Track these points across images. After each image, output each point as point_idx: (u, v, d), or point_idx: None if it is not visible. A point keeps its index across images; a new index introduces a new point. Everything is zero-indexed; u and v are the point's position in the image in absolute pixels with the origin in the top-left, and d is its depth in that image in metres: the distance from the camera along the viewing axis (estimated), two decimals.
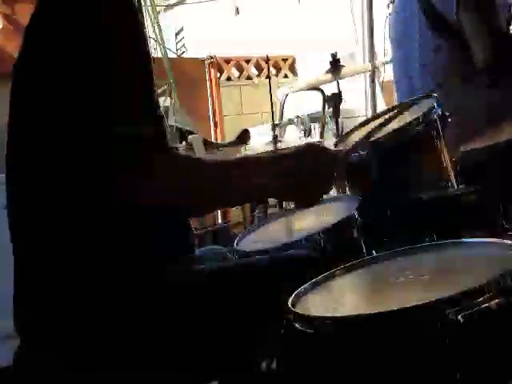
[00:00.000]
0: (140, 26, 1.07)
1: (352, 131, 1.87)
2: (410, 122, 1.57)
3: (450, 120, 1.61)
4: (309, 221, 1.67)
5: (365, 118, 1.99)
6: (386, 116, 1.85)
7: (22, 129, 1.10)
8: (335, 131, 2.89)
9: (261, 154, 1.22)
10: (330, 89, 2.97)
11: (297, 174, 1.16)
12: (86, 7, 1.03)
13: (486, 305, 0.83)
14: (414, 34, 2.27)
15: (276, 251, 1.41)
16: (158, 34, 4.79)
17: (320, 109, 3.85)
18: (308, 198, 1.22)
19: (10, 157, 1.13)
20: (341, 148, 1.67)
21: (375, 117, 1.95)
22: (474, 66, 2.13)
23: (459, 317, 0.81)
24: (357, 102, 4.35)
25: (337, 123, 2.87)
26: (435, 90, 2.11)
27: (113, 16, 1.03)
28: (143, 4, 4.57)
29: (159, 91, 4.50)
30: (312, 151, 1.19)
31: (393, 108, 1.94)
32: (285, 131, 4.08)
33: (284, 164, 1.16)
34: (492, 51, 2.09)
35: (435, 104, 1.59)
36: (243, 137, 3.97)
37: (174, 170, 1.04)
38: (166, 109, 4.43)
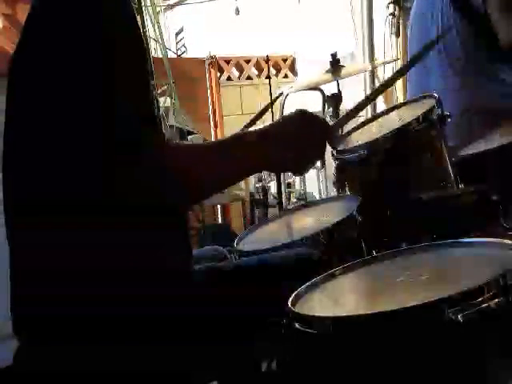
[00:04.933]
0: (136, 20, 1.09)
1: (352, 131, 1.87)
2: (410, 122, 1.57)
3: (449, 120, 1.61)
4: (309, 221, 1.67)
5: (365, 118, 1.99)
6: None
7: (18, 128, 1.10)
8: None
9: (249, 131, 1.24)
10: (329, 89, 2.97)
11: (286, 139, 1.17)
12: (83, 6, 1.03)
13: (486, 305, 0.83)
14: (435, 16, 2.27)
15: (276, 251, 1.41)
16: (158, 33, 4.79)
17: (320, 109, 3.85)
18: (299, 164, 1.23)
19: (6, 156, 1.13)
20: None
21: (375, 117, 1.95)
22: (488, 56, 2.15)
23: (459, 317, 0.81)
24: (357, 102, 4.34)
25: None
26: (451, 77, 2.13)
27: (110, 14, 1.04)
28: (143, 4, 4.57)
29: (159, 91, 4.50)
30: (302, 117, 1.22)
31: (393, 108, 1.94)
32: None
33: (273, 130, 1.19)
34: None
35: (435, 104, 1.59)
36: None
37: (174, 167, 1.05)
38: (166, 109, 4.44)
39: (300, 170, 1.29)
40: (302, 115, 1.23)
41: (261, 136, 1.18)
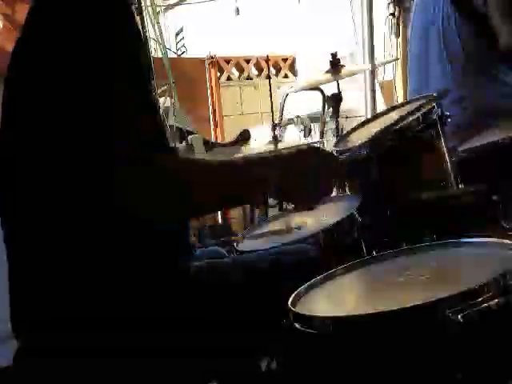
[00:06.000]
0: (135, 21, 1.08)
1: (352, 131, 1.87)
2: (410, 122, 1.57)
3: (449, 120, 1.61)
4: (309, 221, 1.67)
5: (365, 118, 1.99)
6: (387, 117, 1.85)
7: (16, 130, 1.10)
8: (335, 131, 2.88)
9: (261, 154, 1.21)
10: (329, 89, 2.97)
11: (296, 174, 1.16)
12: (82, 7, 1.03)
13: (486, 305, 0.83)
14: (436, 15, 2.27)
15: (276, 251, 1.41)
16: (158, 34, 4.79)
17: (320, 109, 3.85)
18: (307, 200, 1.21)
19: (2, 157, 1.12)
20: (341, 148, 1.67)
21: (375, 117, 1.95)
22: (488, 56, 2.15)
23: (459, 317, 0.81)
24: (357, 102, 4.35)
25: (337, 123, 2.87)
26: (451, 77, 2.13)
27: (108, 15, 1.04)
28: (143, 4, 4.57)
29: (159, 91, 4.50)
30: (313, 153, 1.19)
31: (393, 108, 1.94)
32: (285, 131, 4.08)
33: (284, 164, 1.16)
34: None
35: (435, 104, 1.59)
36: (243, 137, 3.97)
37: (173, 171, 1.04)
38: (166, 109, 4.43)
39: (303, 206, 1.27)
40: (311, 150, 1.20)
41: (264, 163, 1.15)
